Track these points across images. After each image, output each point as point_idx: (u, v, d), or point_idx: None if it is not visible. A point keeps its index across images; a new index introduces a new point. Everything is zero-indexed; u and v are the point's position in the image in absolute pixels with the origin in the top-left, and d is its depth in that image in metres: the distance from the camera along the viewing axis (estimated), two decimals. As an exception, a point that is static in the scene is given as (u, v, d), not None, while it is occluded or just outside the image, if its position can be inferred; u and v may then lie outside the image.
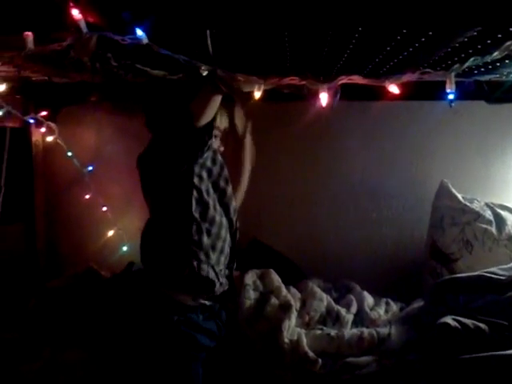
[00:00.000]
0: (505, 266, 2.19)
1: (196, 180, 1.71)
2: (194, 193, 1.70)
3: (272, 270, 2.33)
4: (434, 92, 2.51)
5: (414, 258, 2.66)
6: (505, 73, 2.23)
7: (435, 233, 2.50)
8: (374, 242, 2.78)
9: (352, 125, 2.76)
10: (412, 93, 2.58)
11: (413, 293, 2.44)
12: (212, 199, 1.76)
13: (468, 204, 2.48)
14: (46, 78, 2.34)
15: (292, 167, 2.78)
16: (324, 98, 1.43)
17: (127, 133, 2.79)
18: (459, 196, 2.50)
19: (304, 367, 1.95)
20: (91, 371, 2.03)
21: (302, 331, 2.07)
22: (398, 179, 2.76)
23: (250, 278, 2.27)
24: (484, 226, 2.41)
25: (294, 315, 2.13)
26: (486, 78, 2.40)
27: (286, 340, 2.01)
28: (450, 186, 2.52)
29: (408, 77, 1.28)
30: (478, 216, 2.43)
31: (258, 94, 1.45)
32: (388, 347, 1.99)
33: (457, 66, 1.19)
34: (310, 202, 2.81)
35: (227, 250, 1.81)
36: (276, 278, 2.30)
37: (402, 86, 2.51)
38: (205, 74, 1.32)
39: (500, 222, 2.44)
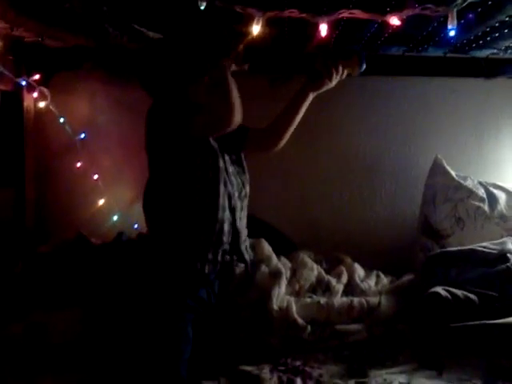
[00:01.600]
0: (496, 241, 2.20)
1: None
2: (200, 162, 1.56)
3: (263, 239, 2.31)
4: (432, 67, 2.53)
5: (405, 235, 2.65)
6: (502, 47, 2.22)
7: (427, 209, 2.50)
8: (366, 218, 2.77)
9: (348, 101, 2.73)
10: (409, 68, 2.60)
11: (404, 268, 2.44)
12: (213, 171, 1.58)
13: (461, 181, 2.47)
14: (39, 39, 2.29)
15: (287, 143, 2.75)
16: (324, 29, 1.41)
17: (120, 102, 2.75)
18: (453, 173, 2.49)
19: (293, 334, 1.94)
20: (79, 333, 2.01)
21: (292, 299, 2.06)
22: (392, 156, 2.76)
23: (241, 246, 2.25)
24: (476, 203, 2.41)
25: (283, 283, 2.12)
26: (484, 54, 2.40)
27: (275, 307, 2.00)
28: (444, 163, 2.51)
29: (409, 11, 1.26)
30: (470, 193, 2.43)
31: (256, 28, 1.40)
32: (378, 316, 1.99)
33: (459, 1, 1.17)
34: (304, 178, 2.79)
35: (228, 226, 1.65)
36: (267, 247, 2.29)
37: (399, 60, 2.52)
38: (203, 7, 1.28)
39: (492, 200, 2.45)
